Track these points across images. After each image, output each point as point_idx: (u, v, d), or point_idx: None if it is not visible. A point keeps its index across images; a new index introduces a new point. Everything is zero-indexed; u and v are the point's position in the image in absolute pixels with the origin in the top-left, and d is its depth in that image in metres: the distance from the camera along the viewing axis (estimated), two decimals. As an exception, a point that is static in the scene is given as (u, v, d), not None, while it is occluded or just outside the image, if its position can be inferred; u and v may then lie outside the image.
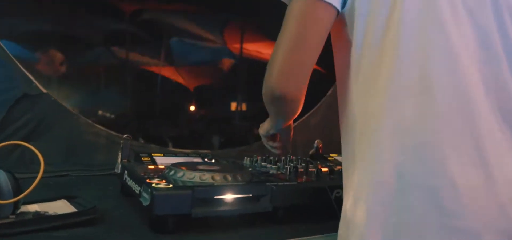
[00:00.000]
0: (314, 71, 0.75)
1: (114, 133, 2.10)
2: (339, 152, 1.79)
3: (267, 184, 0.94)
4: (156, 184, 0.84)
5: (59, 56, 2.23)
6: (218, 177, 0.91)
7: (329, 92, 2.79)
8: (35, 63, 2.04)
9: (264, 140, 1.08)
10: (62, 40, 2.16)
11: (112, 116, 2.44)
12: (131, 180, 0.97)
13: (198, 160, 1.24)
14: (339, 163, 1.49)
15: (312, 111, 2.72)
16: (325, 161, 1.46)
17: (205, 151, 2.37)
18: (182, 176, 0.91)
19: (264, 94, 0.75)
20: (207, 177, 0.90)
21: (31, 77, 1.89)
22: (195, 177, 0.91)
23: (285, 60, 0.68)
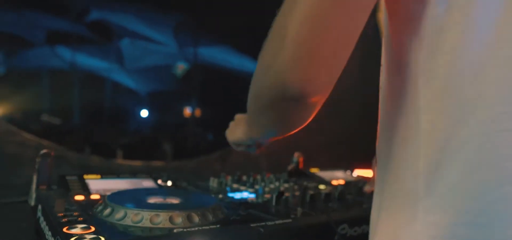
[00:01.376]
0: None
1: (45, 142, 1.72)
2: (320, 166, 1.53)
3: (252, 225, 0.63)
4: (79, 235, 0.51)
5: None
6: (179, 218, 0.59)
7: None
8: None
9: (233, 145, 0.79)
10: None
11: (53, 123, 2.06)
12: (45, 223, 0.62)
13: (150, 183, 0.91)
14: (324, 181, 1.22)
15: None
16: (307, 178, 1.18)
17: (158, 163, 2.03)
18: (122, 218, 0.59)
19: (265, 91, 0.46)
20: (162, 219, 0.58)
21: None
22: (143, 218, 0.58)
23: (314, 32, 0.39)
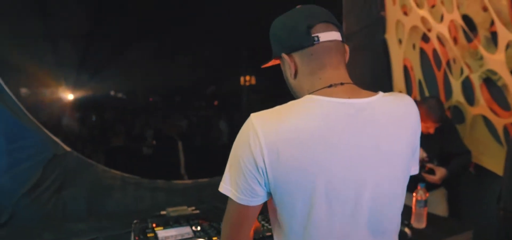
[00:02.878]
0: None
1: (126, 174, 2.69)
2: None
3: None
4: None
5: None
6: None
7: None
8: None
9: None
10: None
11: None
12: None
13: (188, 229, 1.79)
14: None
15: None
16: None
17: (204, 180, 2.93)
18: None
19: None
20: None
21: (57, 140, 2.45)
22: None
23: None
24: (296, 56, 0.98)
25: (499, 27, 2.36)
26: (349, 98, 0.94)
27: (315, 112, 0.91)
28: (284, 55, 1.00)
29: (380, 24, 3.34)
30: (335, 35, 0.97)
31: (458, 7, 2.64)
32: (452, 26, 2.75)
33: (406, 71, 3.26)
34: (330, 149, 0.89)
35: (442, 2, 2.78)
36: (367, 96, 0.96)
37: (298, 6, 1.03)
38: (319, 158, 0.89)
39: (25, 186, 2.32)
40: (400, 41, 3.24)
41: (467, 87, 2.76)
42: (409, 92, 3.25)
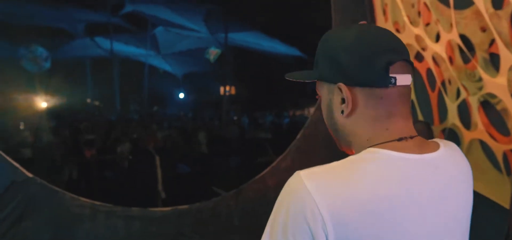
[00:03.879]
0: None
1: (97, 202, 2.42)
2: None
3: None
4: None
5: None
6: None
7: (298, 136, 3.08)
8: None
9: None
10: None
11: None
12: None
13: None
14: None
15: (282, 155, 3.02)
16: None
17: (184, 207, 2.68)
18: None
19: None
20: None
21: (17, 164, 2.17)
22: None
23: None
24: (360, 93, 0.77)
25: (502, 49, 2.21)
26: (421, 153, 0.77)
27: (389, 173, 0.72)
28: (342, 86, 0.77)
29: (370, 40, 3.18)
30: (409, 79, 0.79)
31: (455, 26, 2.49)
32: (448, 45, 2.60)
33: (398, 90, 3.10)
34: (411, 221, 0.72)
35: (437, 21, 2.62)
36: (434, 150, 0.80)
37: (362, 22, 0.84)
38: (399, 233, 0.70)
39: (-22, 218, 2.03)
40: (391, 59, 3.07)
41: (462, 109, 2.61)
42: (400, 112, 3.09)
